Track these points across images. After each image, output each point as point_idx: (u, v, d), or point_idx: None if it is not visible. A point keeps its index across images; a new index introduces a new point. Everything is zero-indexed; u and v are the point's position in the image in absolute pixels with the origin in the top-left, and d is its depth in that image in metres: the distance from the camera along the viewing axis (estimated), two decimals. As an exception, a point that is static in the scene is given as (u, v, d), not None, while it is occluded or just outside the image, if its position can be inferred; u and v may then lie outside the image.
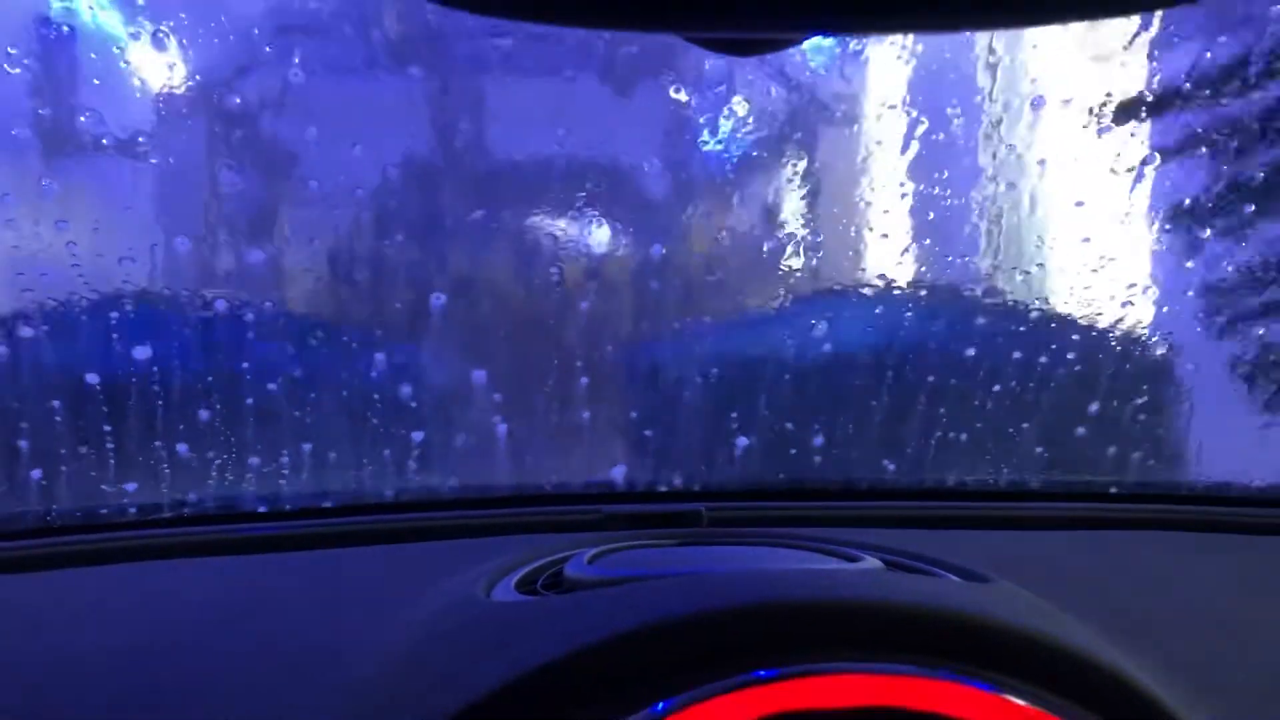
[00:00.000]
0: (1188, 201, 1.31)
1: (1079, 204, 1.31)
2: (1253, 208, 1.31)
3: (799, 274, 1.33)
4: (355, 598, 0.90)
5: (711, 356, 1.31)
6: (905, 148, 1.32)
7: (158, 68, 1.21)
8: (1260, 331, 1.30)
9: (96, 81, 1.21)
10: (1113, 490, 1.26)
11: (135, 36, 1.19)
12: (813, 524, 1.05)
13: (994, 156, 1.32)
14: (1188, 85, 1.28)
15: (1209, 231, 1.31)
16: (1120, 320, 1.30)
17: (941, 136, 1.31)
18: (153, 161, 1.21)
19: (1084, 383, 1.28)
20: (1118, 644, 0.69)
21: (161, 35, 1.18)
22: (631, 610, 0.64)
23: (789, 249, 1.33)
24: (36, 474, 1.15)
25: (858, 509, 1.19)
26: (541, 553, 0.89)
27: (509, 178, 1.30)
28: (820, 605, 0.63)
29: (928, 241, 1.32)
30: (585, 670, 0.61)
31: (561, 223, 1.30)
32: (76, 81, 1.20)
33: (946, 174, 1.32)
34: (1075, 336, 1.29)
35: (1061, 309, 1.31)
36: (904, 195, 1.32)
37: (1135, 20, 1.25)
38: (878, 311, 1.32)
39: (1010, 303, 1.32)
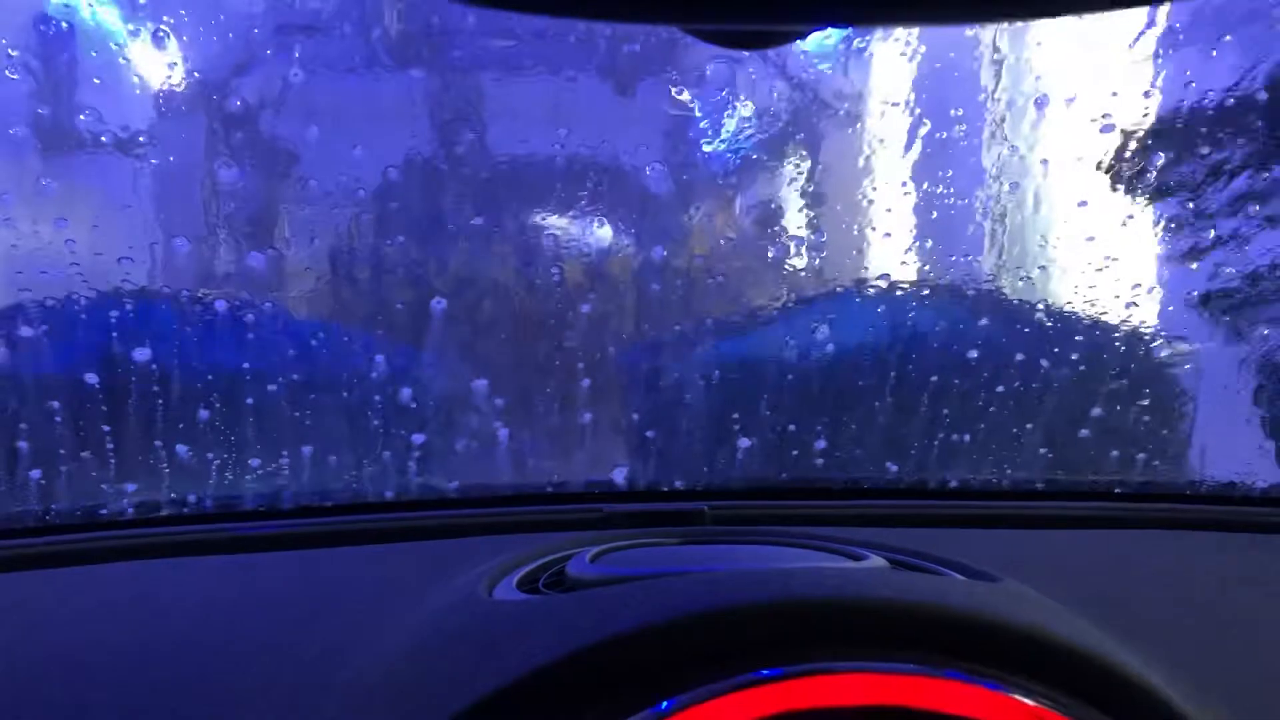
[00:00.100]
0: (1194, 201, 1.31)
1: (1082, 204, 1.30)
2: (1258, 208, 1.30)
3: (802, 273, 1.33)
4: (356, 596, 0.89)
5: (713, 355, 1.31)
6: (908, 147, 1.31)
7: (157, 65, 1.20)
8: (1266, 332, 1.30)
9: (97, 81, 1.21)
10: (1119, 489, 1.26)
11: (135, 34, 1.18)
12: (816, 523, 1.05)
13: (998, 155, 1.32)
14: (1193, 84, 1.28)
15: (1215, 231, 1.31)
16: (1127, 319, 1.30)
17: (945, 135, 1.31)
18: (152, 161, 1.21)
19: (1090, 381, 1.27)
20: (1124, 643, 0.69)
21: (160, 34, 1.18)
22: (634, 609, 0.64)
23: (792, 248, 1.33)
24: (35, 473, 1.14)
25: (861, 508, 1.19)
26: (543, 551, 0.89)
27: (512, 178, 1.30)
28: (827, 604, 0.63)
29: (931, 241, 1.31)
30: (588, 669, 0.61)
31: (564, 223, 1.30)
32: (76, 79, 1.19)
33: (950, 173, 1.32)
34: (1082, 335, 1.29)
35: (1068, 308, 1.31)
36: (907, 195, 1.32)
37: (1142, 19, 1.25)
38: (881, 310, 1.32)
39: (1015, 302, 1.32)
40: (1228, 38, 1.26)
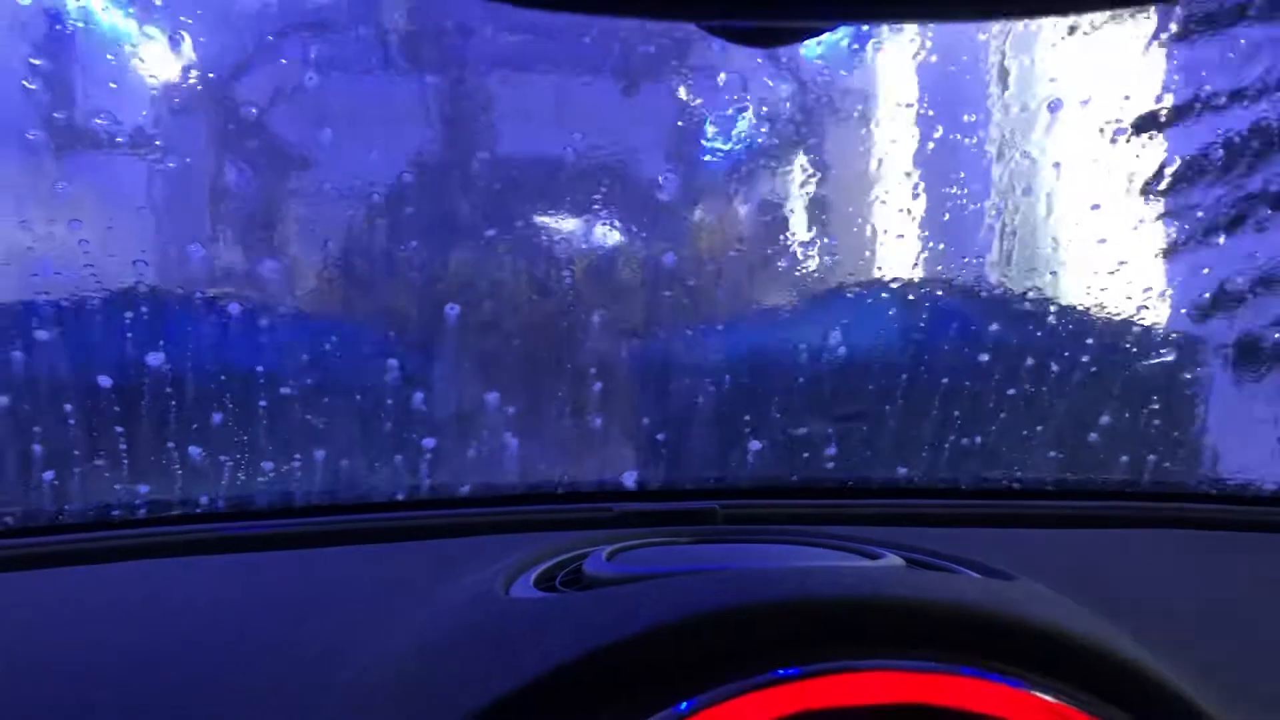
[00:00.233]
0: (1207, 203, 1.30)
1: (1095, 206, 1.30)
2: (1271, 210, 1.30)
3: (815, 274, 1.33)
4: (365, 595, 0.89)
5: (725, 355, 1.31)
6: (919, 149, 1.31)
7: (172, 68, 1.21)
8: (1278, 334, 1.30)
9: (114, 86, 1.21)
10: (1131, 489, 1.26)
11: (145, 35, 1.19)
12: (828, 521, 1.05)
13: (1010, 158, 1.32)
14: (1207, 86, 1.27)
15: (1227, 233, 1.31)
16: (1140, 319, 1.30)
17: (958, 136, 1.31)
18: (169, 165, 1.21)
19: (1104, 381, 1.27)
20: (1139, 641, 0.68)
21: (176, 37, 1.19)
22: (654, 607, 0.64)
23: (804, 249, 1.33)
24: (48, 474, 1.14)
25: (874, 507, 1.19)
26: (558, 550, 0.88)
27: (526, 180, 1.30)
28: (846, 602, 0.63)
29: (943, 241, 1.31)
30: (608, 668, 0.61)
31: (575, 224, 1.30)
32: (92, 83, 1.20)
33: (962, 174, 1.32)
34: (1096, 336, 1.29)
35: (1081, 308, 1.30)
36: (920, 196, 1.32)
37: (1154, 20, 1.25)
38: (894, 311, 1.32)
39: (1027, 302, 1.31)
40: (1242, 41, 1.26)
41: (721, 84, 1.31)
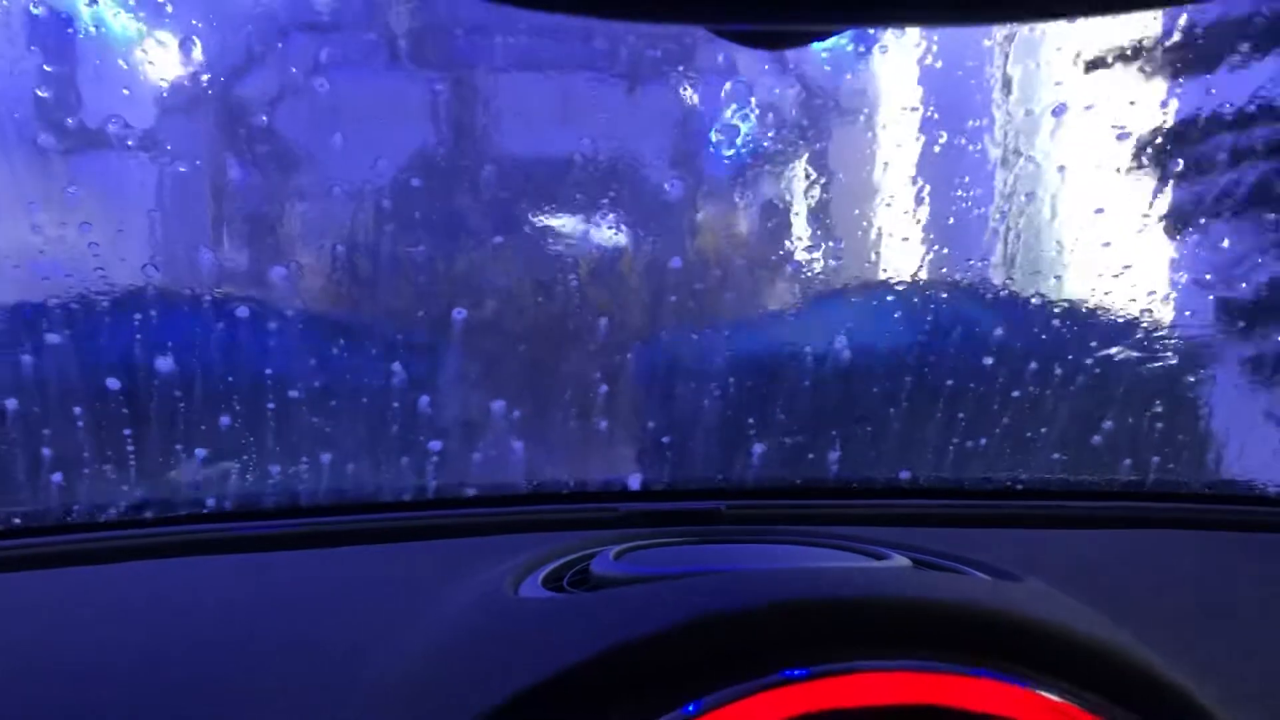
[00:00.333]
0: (1210, 206, 1.30)
1: (1099, 210, 1.30)
2: (1271, 214, 1.30)
3: (820, 275, 1.33)
4: (373, 595, 0.89)
5: (730, 356, 1.31)
6: (924, 153, 1.32)
7: (179, 70, 1.21)
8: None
9: (127, 92, 1.21)
10: (1138, 489, 1.26)
11: (156, 39, 1.19)
12: (834, 522, 1.05)
13: (1015, 162, 1.32)
14: (1212, 90, 1.28)
15: (1232, 235, 1.31)
16: (1146, 320, 1.30)
17: (963, 140, 1.31)
18: (178, 167, 1.22)
19: (1110, 382, 1.27)
20: (1147, 641, 0.69)
21: (187, 40, 1.19)
22: (662, 608, 0.64)
23: (809, 251, 1.33)
24: (57, 475, 1.15)
25: (880, 507, 1.19)
26: (565, 550, 0.89)
27: (533, 183, 1.30)
28: (854, 603, 0.63)
29: (949, 243, 1.31)
30: (617, 669, 0.61)
31: (581, 226, 1.30)
32: (99, 85, 1.20)
33: (967, 178, 1.32)
34: (1102, 337, 1.29)
35: (1087, 309, 1.31)
36: (924, 199, 1.32)
37: (1158, 23, 1.25)
38: (899, 313, 1.32)
39: (1032, 305, 1.32)
40: (1248, 46, 1.26)
41: (728, 88, 1.31)
